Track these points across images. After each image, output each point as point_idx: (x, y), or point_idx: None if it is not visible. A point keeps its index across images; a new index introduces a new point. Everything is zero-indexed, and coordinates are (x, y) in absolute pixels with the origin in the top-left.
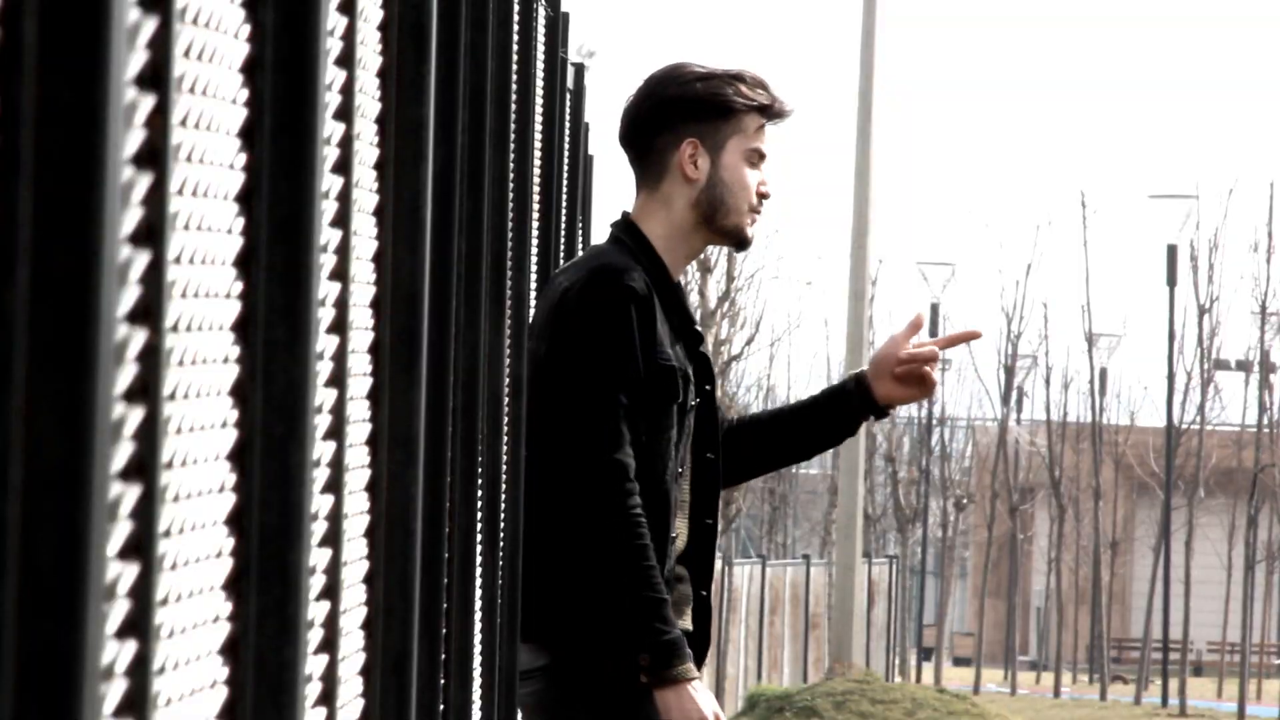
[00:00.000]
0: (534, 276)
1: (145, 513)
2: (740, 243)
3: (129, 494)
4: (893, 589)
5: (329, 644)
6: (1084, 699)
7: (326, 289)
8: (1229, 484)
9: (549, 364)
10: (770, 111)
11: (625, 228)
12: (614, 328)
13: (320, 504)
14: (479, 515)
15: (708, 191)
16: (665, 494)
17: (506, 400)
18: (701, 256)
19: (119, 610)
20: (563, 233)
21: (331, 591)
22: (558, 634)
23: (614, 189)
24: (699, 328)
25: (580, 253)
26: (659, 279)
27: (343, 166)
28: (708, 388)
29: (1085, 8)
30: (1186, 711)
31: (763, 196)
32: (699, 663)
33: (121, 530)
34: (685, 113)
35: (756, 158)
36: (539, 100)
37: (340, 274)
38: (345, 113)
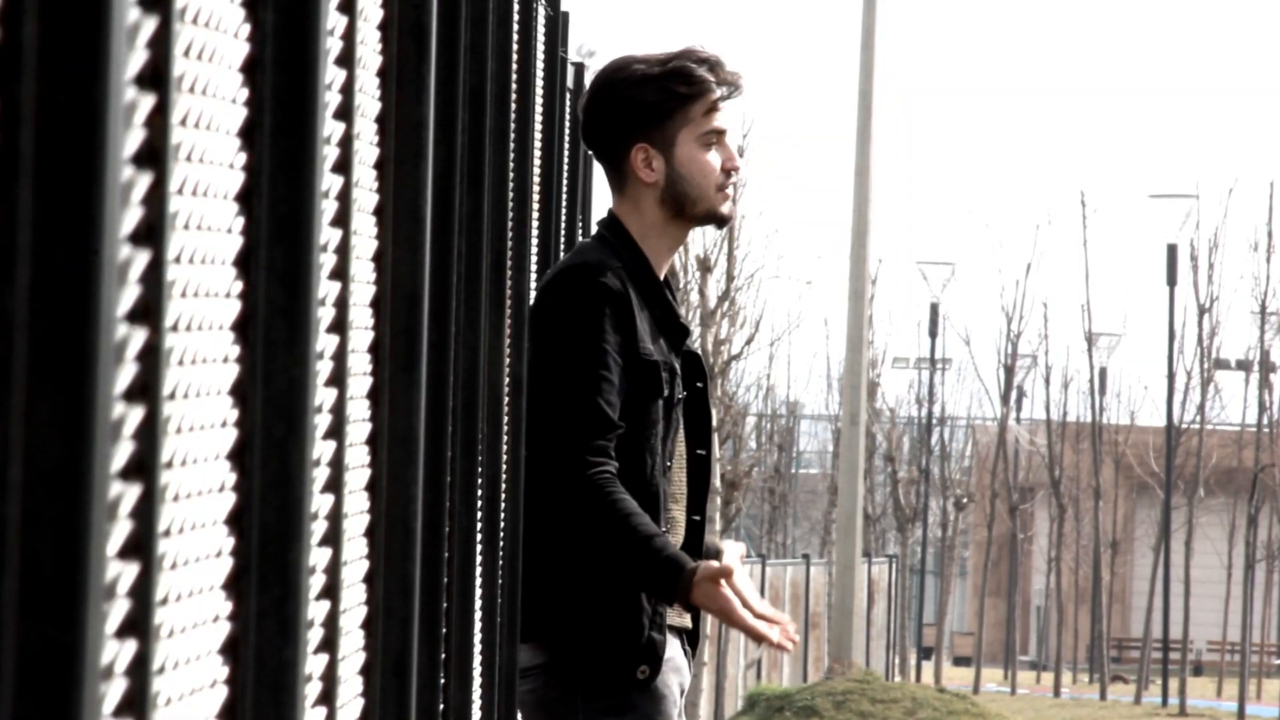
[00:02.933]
0: (534, 276)
1: (145, 513)
2: (719, 222)
3: (129, 494)
4: (893, 588)
5: (329, 644)
6: (1084, 699)
7: (326, 289)
8: (1229, 484)
9: (529, 363)
10: (716, 93)
11: (609, 223)
12: (587, 324)
13: (320, 504)
14: (479, 515)
15: (669, 189)
16: (654, 490)
17: (506, 400)
18: (701, 256)
19: (119, 610)
20: (563, 233)
21: (331, 591)
22: (555, 632)
23: None
24: (685, 323)
25: None
26: (641, 274)
27: (343, 166)
28: (699, 385)
29: (1085, 6)
30: (1186, 711)
31: (729, 172)
32: (692, 658)
33: (121, 530)
34: (629, 120)
35: (714, 138)
36: (539, 100)
37: (340, 274)
38: (345, 112)
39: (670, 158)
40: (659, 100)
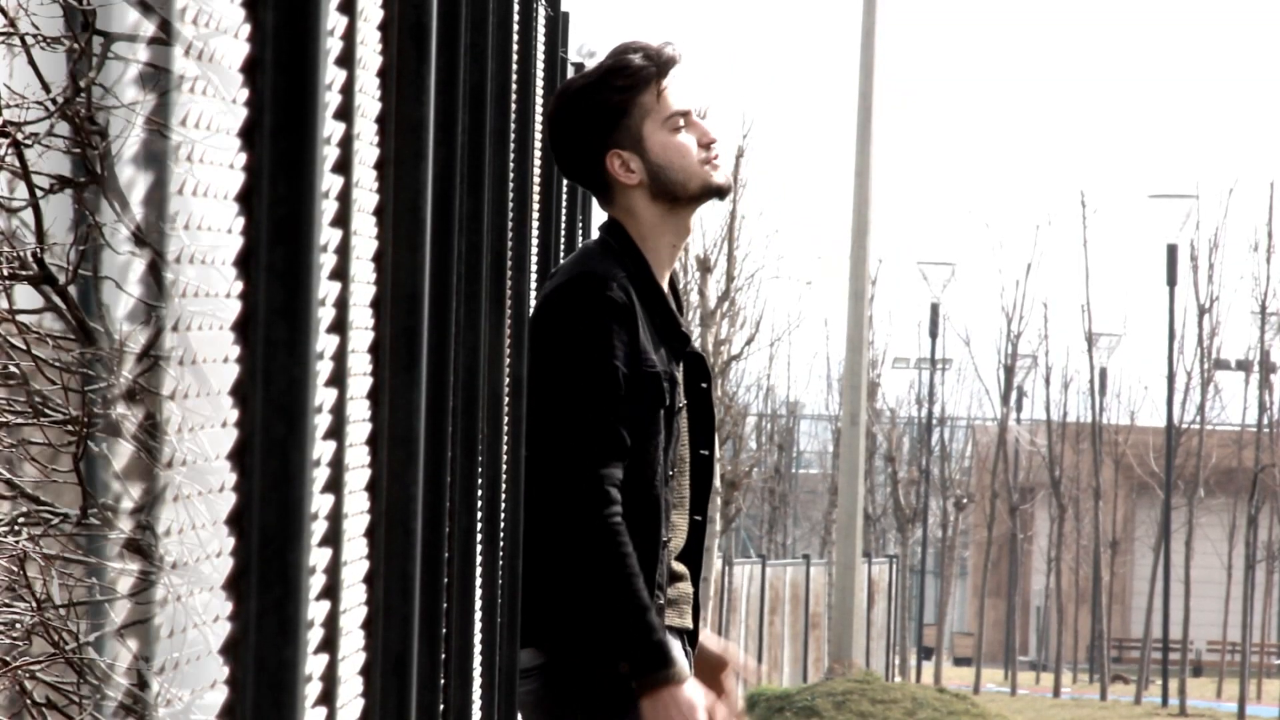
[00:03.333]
0: (534, 276)
1: (146, 513)
2: (719, 194)
3: (129, 494)
4: (893, 589)
5: (329, 644)
6: (1084, 699)
7: (326, 289)
8: (1229, 484)
9: (531, 372)
10: (657, 75)
11: (611, 228)
12: (593, 337)
13: (320, 504)
14: (479, 515)
15: (654, 182)
16: (655, 500)
17: (506, 400)
18: (701, 256)
19: (119, 610)
20: (563, 233)
21: (331, 591)
22: (553, 633)
23: None
24: (686, 330)
25: None
26: (642, 280)
27: (343, 166)
28: (703, 385)
29: (1085, 6)
30: (1186, 711)
31: (707, 145)
32: (692, 659)
33: (122, 530)
34: (590, 133)
35: (679, 120)
36: (539, 100)
37: (340, 274)
38: (345, 113)
39: (643, 153)
40: (606, 99)
